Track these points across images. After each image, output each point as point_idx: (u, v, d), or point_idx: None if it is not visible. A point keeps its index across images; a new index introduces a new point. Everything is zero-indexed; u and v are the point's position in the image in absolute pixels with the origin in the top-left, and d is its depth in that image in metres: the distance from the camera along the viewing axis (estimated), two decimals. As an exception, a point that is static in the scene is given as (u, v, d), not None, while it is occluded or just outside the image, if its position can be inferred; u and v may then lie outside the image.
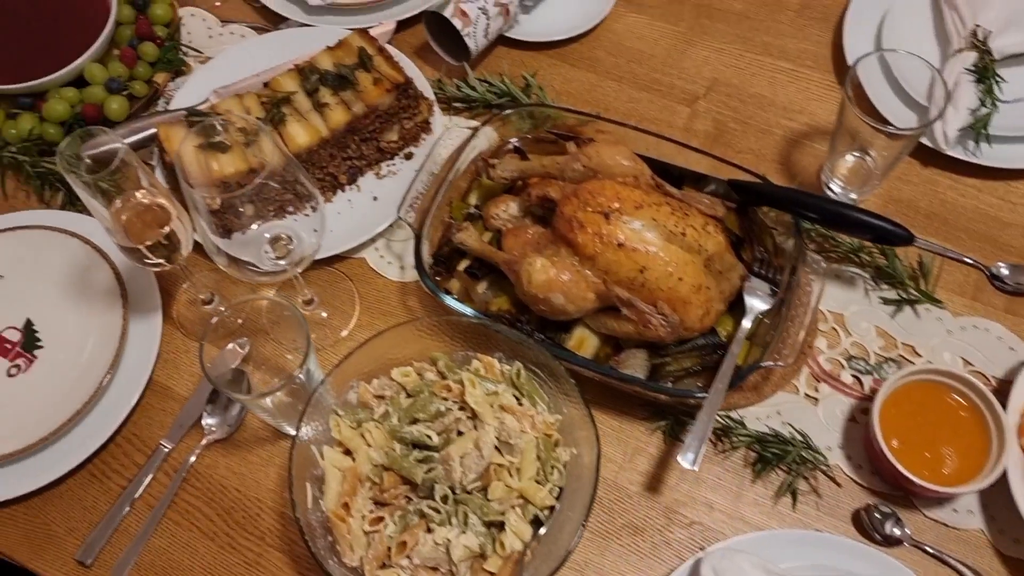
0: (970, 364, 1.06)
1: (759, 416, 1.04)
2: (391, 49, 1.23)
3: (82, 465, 1.05)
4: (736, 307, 1.04)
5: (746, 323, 1.00)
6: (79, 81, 1.25)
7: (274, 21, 1.37)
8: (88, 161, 0.92)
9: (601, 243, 0.96)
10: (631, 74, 1.29)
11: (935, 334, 1.08)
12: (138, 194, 0.97)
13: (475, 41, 1.23)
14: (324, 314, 1.13)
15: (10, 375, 1.09)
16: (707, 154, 1.08)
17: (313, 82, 1.16)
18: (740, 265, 1.03)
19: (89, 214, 1.19)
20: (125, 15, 1.31)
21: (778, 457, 0.99)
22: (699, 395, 0.95)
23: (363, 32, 1.21)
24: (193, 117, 1.14)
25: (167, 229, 0.97)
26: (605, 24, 1.33)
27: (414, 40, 1.34)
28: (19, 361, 1.10)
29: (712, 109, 1.26)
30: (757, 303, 1.01)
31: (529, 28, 1.31)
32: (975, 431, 0.96)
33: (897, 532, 0.95)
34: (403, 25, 1.33)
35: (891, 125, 1.05)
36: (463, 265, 1.08)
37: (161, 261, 0.99)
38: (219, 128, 1.13)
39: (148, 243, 0.96)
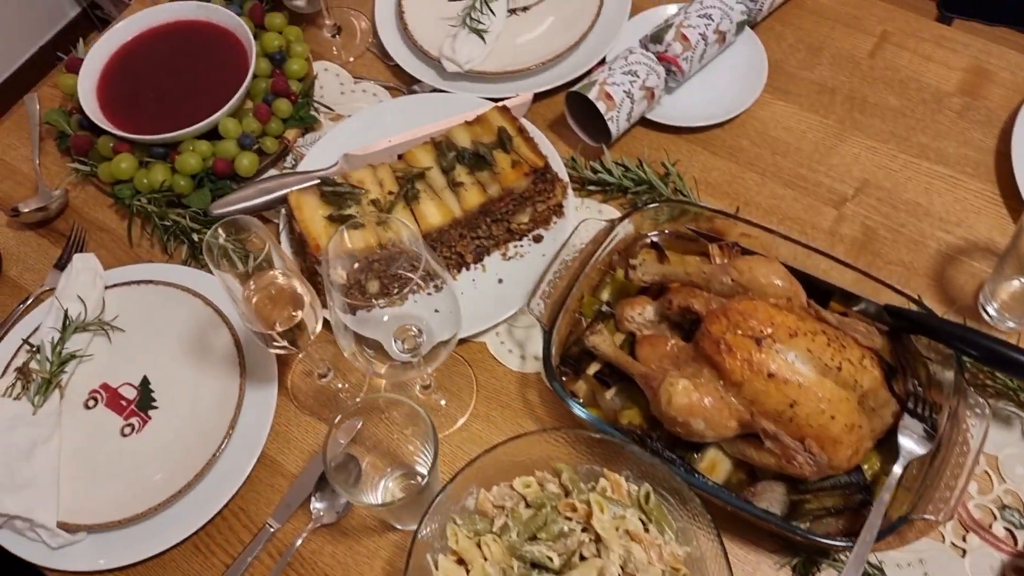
0: None
1: (900, 563, 0.96)
2: (530, 127, 1.19)
3: (188, 536, 1.03)
4: (884, 441, 0.97)
5: (897, 469, 0.92)
6: (212, 133, 1.25)
7: (407, 82, 1.35)
8: (229, 244, 0.90)
9: (750, 371, 0.90)
10: (775, 167, 1.23)
11: (1099, 488, 0.99)
12: (271, 273, 0.95)
13: (617, 125, 1.18)
14: (442, 402, 1.10)
15: (124, 434, 1.08)
16: (860, 272, 1.01)
17: (450, 160, 1.13)
18: (894, 401, 0.96)
19: (211, 272, 1.18)
20: (262, 68, 1.30)
21: (922, 616, 0.92)
22: (843, 544, 0.88)
23: (504, 110, 1.17)
24: (326, 187, 1.11)
25: (299, 316, 0.94)
26: (750, 111, 1.26)
27: (548, 113, 1.30)
28: (133, 420, 1.09)
29: (861, 213, 1.18)
30: (912, 446, 0.93)
31: (670, 110, 1.26)
32: None
33: None
34: (538, 96, 1.29)
35: (1073, 261, 0.97)
36: (593, 369, 1.03)
37: (286, 344, 0.96)
38: (352, 202, 1.11)
39: (279, 329, 0.93)
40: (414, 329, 0.97)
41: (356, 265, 1.09)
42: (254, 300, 0.94)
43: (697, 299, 0.98)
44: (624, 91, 1.17)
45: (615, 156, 1.23)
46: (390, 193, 1.12)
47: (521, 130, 1.15)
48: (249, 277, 0.91)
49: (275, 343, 0.95)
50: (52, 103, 1.39)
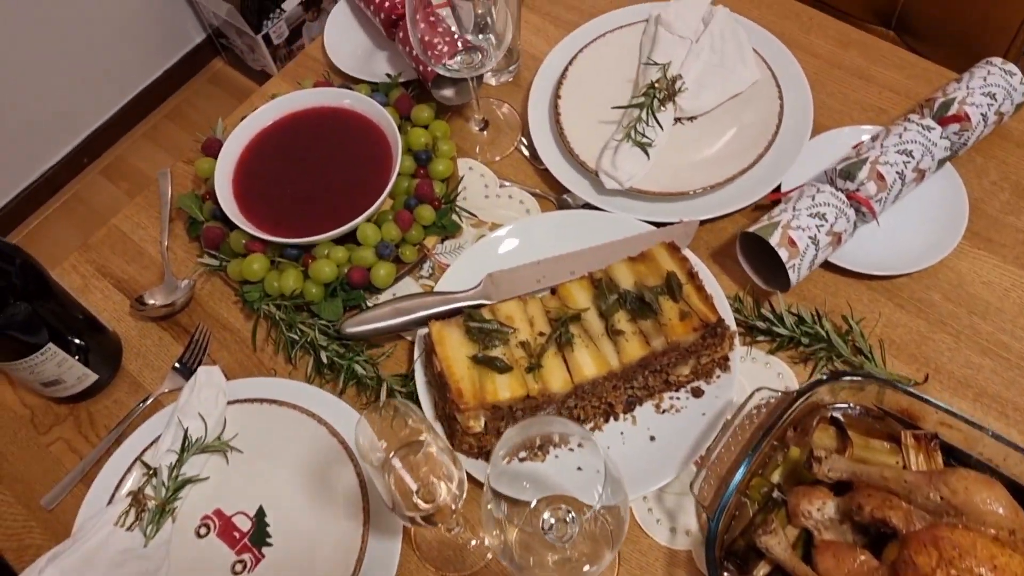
0: None
1: None
2: (695, 260, 1.07)
3: None
4: None
5: None
6: (348, 235, 1.16)
7: (556, 190, 1.24)
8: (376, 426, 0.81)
9: (966, 623, 0.76)
10: (972, 330, 1.08)
11: None
12: (421, 440, 0.85)
13: (798, 273, 1.05)
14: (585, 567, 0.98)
15: (235, 572, 1.00)
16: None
17: (610, 303, 1.02)
18: None
19: (338, 396, 1.10)
20: (405, 166, 1.21)
21: None
22: None
23: (672, 248, 1.05)
24: (472, 322, 1.02)
25: (443, 496, 0.84)
26: (945, 260, 1.12)
27: (712, 240, 1.18)
28: (246, 557, 1.01)
29: (1075, 397, 1.03)
30: None
31: (852, 253, 1.12)
32: None
33: None
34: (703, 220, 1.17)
35: None
36: (762, 572, 0.91)
37: (422, 524, 0.86)
38: (499, 342, 1.02)
39: (422, 512, 0.83)
40: (569, 517, 0.86)
41: (498, 414, 0.99)
42: (392, 478, 0.84)
43: (895, 512, 0.85)
44: (809, 237, 1.04)
45: (788, 300, 1.10)
46: (541, 334, 1.02)
47: (692, 275, 1.03)
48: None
49: (415, 523, 0.86)
50: (184, 180, 1.33)
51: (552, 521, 0.86)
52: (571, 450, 1.02)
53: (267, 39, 2.67)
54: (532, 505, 0.86)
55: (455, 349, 1.01)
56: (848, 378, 0.96)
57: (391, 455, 0.82)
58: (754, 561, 0.92)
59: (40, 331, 1.04)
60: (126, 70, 2.82)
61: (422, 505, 0.85)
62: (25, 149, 2.68)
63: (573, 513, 0.86)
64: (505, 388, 0.98)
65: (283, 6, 2.69)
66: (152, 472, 1.02)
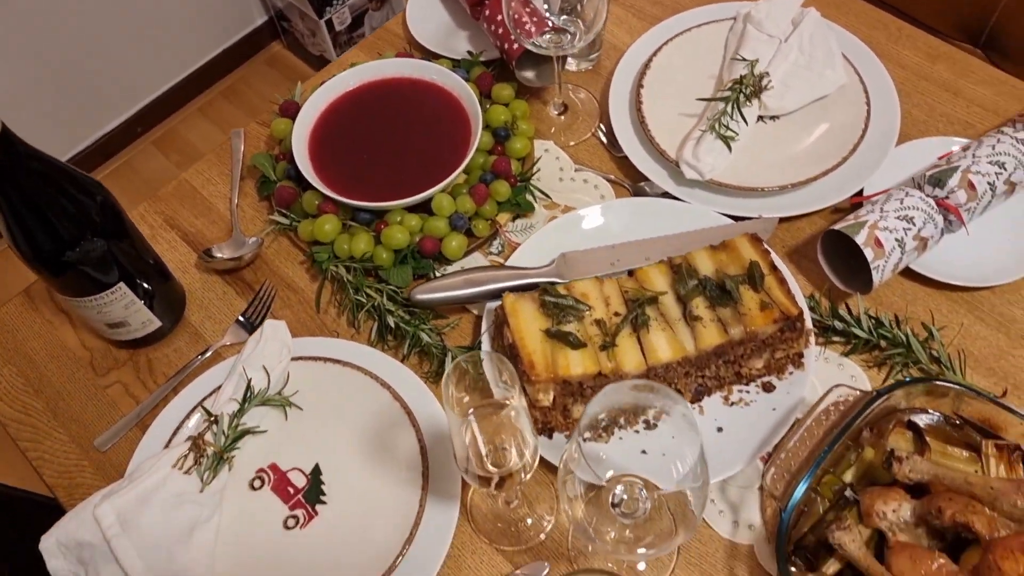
0: None
1: None
2: (782, 266, 1.05)
3: (340, 662, 0.92)
4: None
5: None
6: (421, 206, 1.15)
7: (632, 179, 1.23)
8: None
9: (1053, 633, 0.74)
10: (1054, 349, 1.06)
11: None
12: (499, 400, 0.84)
13: (881, 275, 1.04)
14: (641, 566, 0.96)
15: (286, 527, 0.99)
16: None
17: (689, 288, 1.00)
18: None
19: (402, 362, 1.09)
20: (483, 142, 1.20)
21: None
22: None
23: (755, 240, 1.04)
24: (548, 296, 1.00)
25: (513, 462, 0.83)
26: (1029, 274, 1.09)
27: (789, 239, 1.16)
28: (298, 512, 1.00)
29: None
30: None
31: (933, 261, 1.10)
32: None
33: None
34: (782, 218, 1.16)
35: None
36: (832, 568, 0.88)
37: (488, 488, 0.85)
38: (573, 318, 1.00)
39: (496, 476, 0.82)
40: (642, 494, 0.84)
41: (568, 388, 0.97)
42: (467, 436, 0.83)
43: (979, 517, 0.83)
44: (896, 239, 1.03)
45: (865, 304, 1.08)
46: (616, 315, 1.00)
47: (774, 268, 1.01)
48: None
49: (485, 488, 0.84)
50: (256, 142, 1.32)
51: (624, 497, 0.84)
52: (636, 432, 1.00)
53: (329, 24, 2.69)
54: (605, 480, 0.84)
55: (528, 322, 1.00)
56: (939, 383, 0.93)
57: (470, 412, 0.81)
58: (823, 558, 0.89)
59: (112, 270, 1.04)
60: (188, 45, 2.85)
61: (490, 469, 0.84)
62: (83, 115, 2.70)
63: (645, 491, 0.84)
64: (577, 364, 0.96)
65: (348, -7, 2.72)
66: (213, 419, 1.01)
